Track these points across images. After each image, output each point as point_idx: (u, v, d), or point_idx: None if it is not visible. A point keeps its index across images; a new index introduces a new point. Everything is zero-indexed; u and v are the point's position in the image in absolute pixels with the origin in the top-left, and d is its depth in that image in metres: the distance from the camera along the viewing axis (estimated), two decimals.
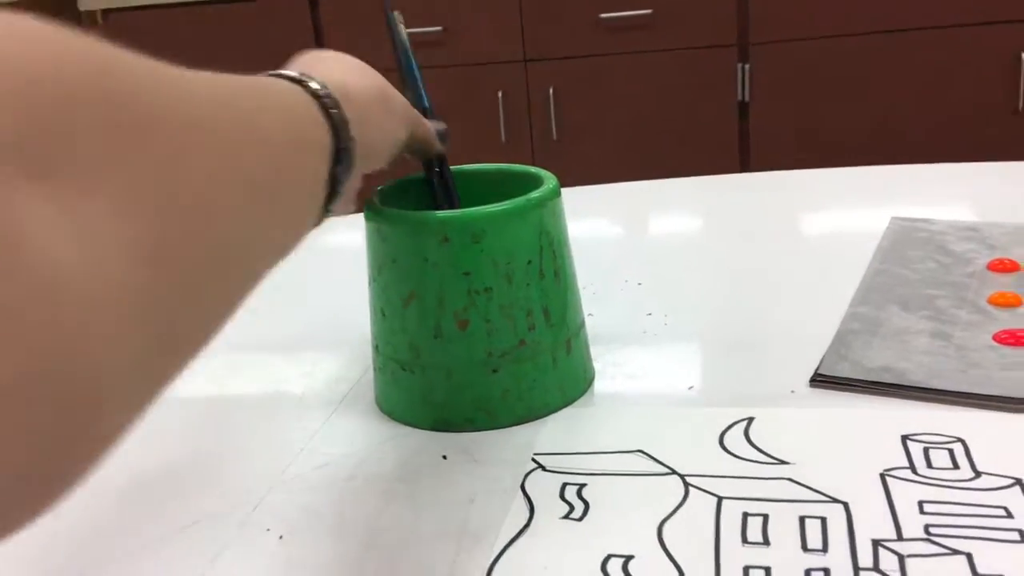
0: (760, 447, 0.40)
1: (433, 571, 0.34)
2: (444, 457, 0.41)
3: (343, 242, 0.76)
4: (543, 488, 0.38)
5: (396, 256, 0.42)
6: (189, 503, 0.40)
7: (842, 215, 0.70)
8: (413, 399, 0.44)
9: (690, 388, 0.45)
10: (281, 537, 0.37)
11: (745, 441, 0.40)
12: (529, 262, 0.42)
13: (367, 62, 0.39)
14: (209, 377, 0.52)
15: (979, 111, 1.87)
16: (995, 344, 0.46)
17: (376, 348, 0.45)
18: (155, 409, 0.50)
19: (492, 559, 0.34)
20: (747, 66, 1.92)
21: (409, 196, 0.47)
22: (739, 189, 0.81)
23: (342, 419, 0.46)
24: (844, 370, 0.45)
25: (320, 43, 2.06)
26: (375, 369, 0.46)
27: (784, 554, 0.33)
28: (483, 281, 0.42)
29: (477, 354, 0.42)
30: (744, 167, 1.98)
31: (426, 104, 0.46)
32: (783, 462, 0.38)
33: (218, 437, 0.45)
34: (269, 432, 0.45)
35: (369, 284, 0.45)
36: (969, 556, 0.32)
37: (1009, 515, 0.34)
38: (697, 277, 0.60)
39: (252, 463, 0.42)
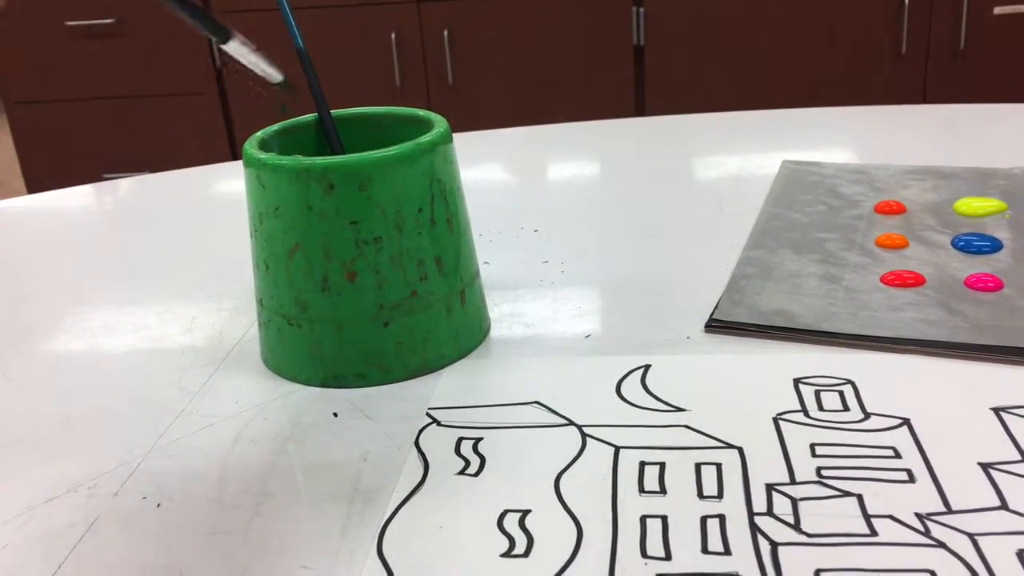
0: (657, 395, 0.39)
1: (323, 536, 0.32)
2: (335, 415, 0.40)
3: (224, 191, 0.72)
4: (438, 444, 0.37)
5: (278, 205, 0.40)
6: (58, 471, 0.37)
7: (735, 159, 0.70)
8: (301, 355, 0.42)
9: (587, 337, 0.45)
10: (159, 505, 0.35)
11: (642, 389, 0.40)
12: (420, 210, 0.41)
13: None
14: (81, 334, 0.49)
15: (865, 55, 1.92)
16: (883, 286, 0.46)
17: (260, 303, 0.43)
18: (20, 368, 0.47)
19: (384, 520, 0.33)
20: (642, 10, 1.92)
21: (291, 141, 0.44)
22: (634, 134, 0.81)
23: (225, 378, 0.43)
24: (738, 315, 0.45)
25: None
26: (260, 324, 0.44)
27: (680, 502, 0.33)
28: (371, 230, 0.40)
29: (367, 307, 0.41)
30: (639, 111, 1.99)
31: (300, 44, 0.44)
32: (679, 409, 0.38)
33: (90, 399, 0.42)
34: (146, 393, 0.43)
35: (251, 235, 0.42)
36: (860, 497, 0.32)
37: (897, 455, 0.35)
38: (593, 223, 0.59)
39: (127, 427, 0.40)
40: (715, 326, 0.44)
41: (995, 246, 0.49)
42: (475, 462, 0.36)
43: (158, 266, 0.58)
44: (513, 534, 0.32)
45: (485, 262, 0.53)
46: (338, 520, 0.33)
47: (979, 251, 0.49)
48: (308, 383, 0.42)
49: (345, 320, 0.41)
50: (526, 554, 0.31)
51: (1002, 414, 0.36)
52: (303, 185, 0.39)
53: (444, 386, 0.41)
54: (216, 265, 0.56)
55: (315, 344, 0.41)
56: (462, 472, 0.35)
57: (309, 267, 0.40)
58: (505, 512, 0.33)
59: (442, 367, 0.43)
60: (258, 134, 0.43)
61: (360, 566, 0.31)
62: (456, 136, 0.45)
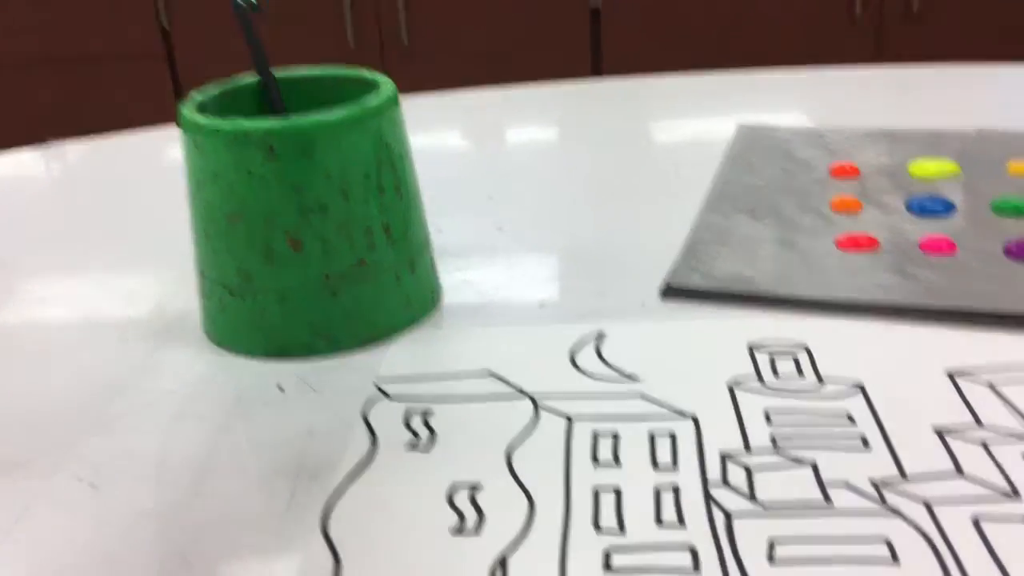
0: (611, 363, 0.39)
1: (266, 514, 0.31)
2: (280, 388, 0.38)
3: (170, 157, 0.70)
4: (386, 417, 0.36)
5: (217, 171, 0.38)
6: None
7: (690, 122, 0.69)
8: (244, 326, 0.40)
9: (541, 305, 0.44)
10: (95, 486, 0.33)
11: (596, 358, 0.39)
12: (367, 176, 0.39)
13: None
14: (16, 306, 0.47)
15: (819, 18, 1.92)
16: (837, 250, 0.46)
17: (201, 273, 0.41)
18: None
19: (331, 497, 0.32)
20: None
21: (232, 104, 0.42)
22: (589, 97, 0.80)
23: (167, 351, 0.42)
24: (694, 280, 0.44)
25: None
26: (202, 296, 0.42)
27: (634, 473, 0.32)
28: (316, 197, 0.38)
29: (313, 276, 0.39)
30: (596, 74, 1.97)
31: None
32: (634, 378, 0.37)
33: (23, 375, 0.41)
34: (83, 368, 0.41)
35: (189, 203, 0.41)
36: (814, 465, 0.32)
37: (852, 421, 0.34)
38: (548, 189, 0.58)
39: (63, 404, 0.38)
40: (671, 292, 0.44)
41: (948, 208, 0.49)
42: (425, 436, 0.35)
43: (98, 235, 0.56)
44: (463, 509, 0.31)
45: (438, 230, 0.52)
46: (282, 498, 0.32)
47: (933, 213, 0.49)
48: (252, 355, 0.41)
49: (290, 290, 0.39)
50: (476, 530, 0.30)
51: (957, 378, 0.36)
52: (242, 150, 0.37)
53: (393, 357, 0.40)
54: (158, 234, 0.54)
55: (259, 315, 0.40)
56: (411, 446, 0.34)
57: (250, 236, 0.38)
58: (456, 487, 0.32)
59: (392, 337, 0.41)
60: (196, 96, 0.41)
61: (305, 546, 0.30)
62: (408, 99, 0.43)
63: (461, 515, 0.31)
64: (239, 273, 0.39)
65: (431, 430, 0.35)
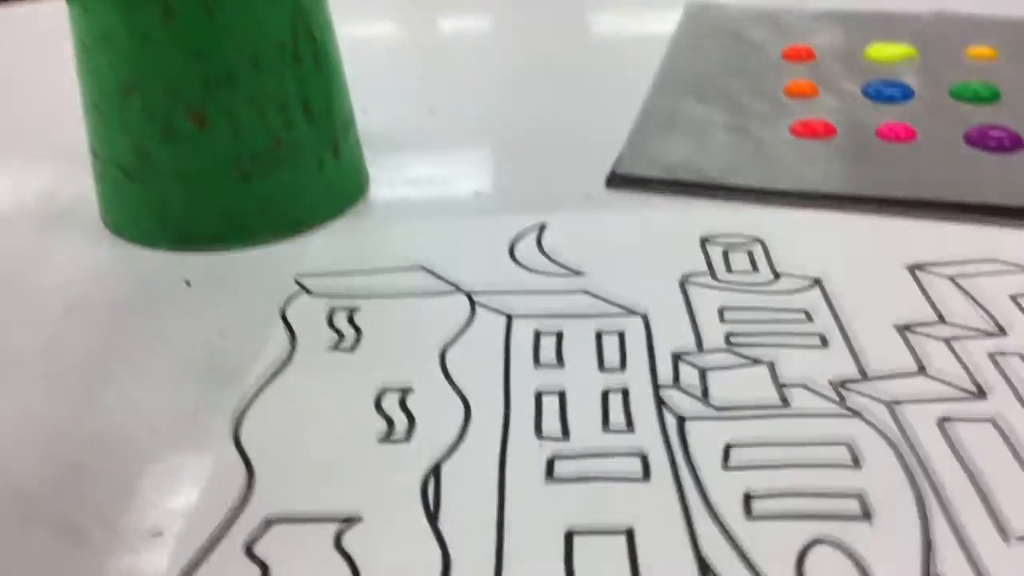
0: (554, 257, 0.36)
1: (170, 422, 0.28)
2: (187, 282, 0.34)
3: (51, 21, 0.63)
4: (308, 315, 0.33)
5: (106, 33, 0.33)
6: None
7: (636, 2, 0.65)
8: (144, 213, 0.36)
9: (477, 194, 0.40)
10: None
11: (537, 251, 0.36)
12: (281, 44, 0.35)
13: None
14: None
15: None
16: (792, 137, 0.43)
17: (94, 152, 0.37)
18: None
19: (244, 403, 0.29)
20: None
21: None
22: None
23: (58, 240, 0.37)
24: (641, 168, 0.41)
25: None
26: (96, 179, 0.38)
27: (579, 375, 0.30)
28: (222, 66, 0.34)
29: (222, 157, 0.35)
30: None
31: None
32: (579, 272, 0.35)
33: None
34: None
35: (77, 73, 0.36)
36: (771, 365, 0.30)
37: (809, 318, 0.32)
38: (486, 71, 0.54)
39: None
40: (617, 181, 0.41)
41: (906, 94, 0.47)
42: (350, 335, 0.32)
43: None
44: (392, 415, 0.28)
45: (365, 112, 0.47)
46: (188, 404, 0.29)
47: (891, 99, 0.46)
48: (155, 246, 0.36)
49: (195, 173, 0.35)
50: (407, 437, 0.27)
51: (917, 272, 0.34)
52: (134, 9, 0.33)
53: (316, 250, 0.36)
54: (51, 111, 0.49)
55: (160, 200, 0.35)
56: (335, 347, 0.31)
57: (147, 109, 0.34)
58: (384, 391, 0.29)
59: (314, 228, 0.38)
60: None
61: (214, 455, 0.27)
62: None
63: (390, 421, 0.28)
64: (135, 152, 0.35)
65: (357, 329, 0.32)
